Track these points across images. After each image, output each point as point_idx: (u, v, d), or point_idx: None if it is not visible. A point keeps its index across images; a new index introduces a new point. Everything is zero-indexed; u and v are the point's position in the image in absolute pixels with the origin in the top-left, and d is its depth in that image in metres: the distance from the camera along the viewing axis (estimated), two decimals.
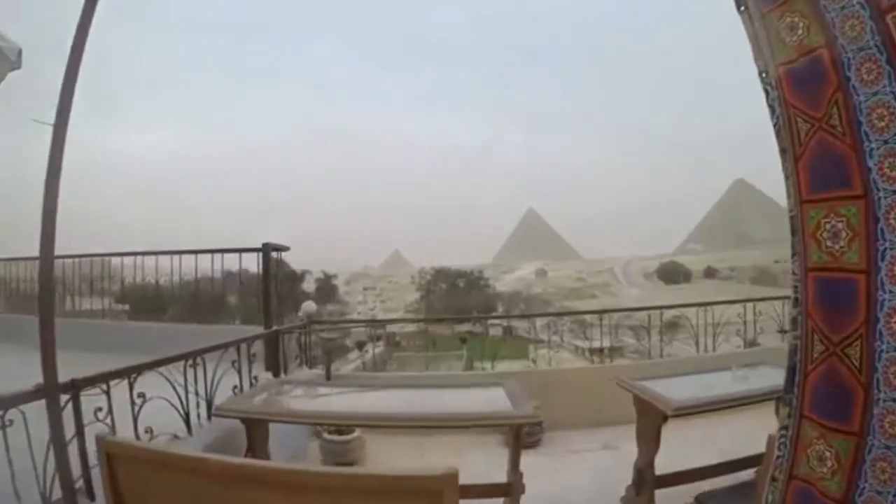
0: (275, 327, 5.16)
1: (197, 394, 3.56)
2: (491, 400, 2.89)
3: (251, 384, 4.16)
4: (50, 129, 2.19)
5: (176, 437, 3.37)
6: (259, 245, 5.43)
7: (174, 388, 3.34)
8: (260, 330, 5.02)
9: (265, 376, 4.56)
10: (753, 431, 3.86)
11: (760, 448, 3.81)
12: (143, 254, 6.91)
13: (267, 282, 5.27)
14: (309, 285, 71.30)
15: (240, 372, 4.08)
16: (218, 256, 5.76)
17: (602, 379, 5.17)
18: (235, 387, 3.98)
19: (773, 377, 3.32)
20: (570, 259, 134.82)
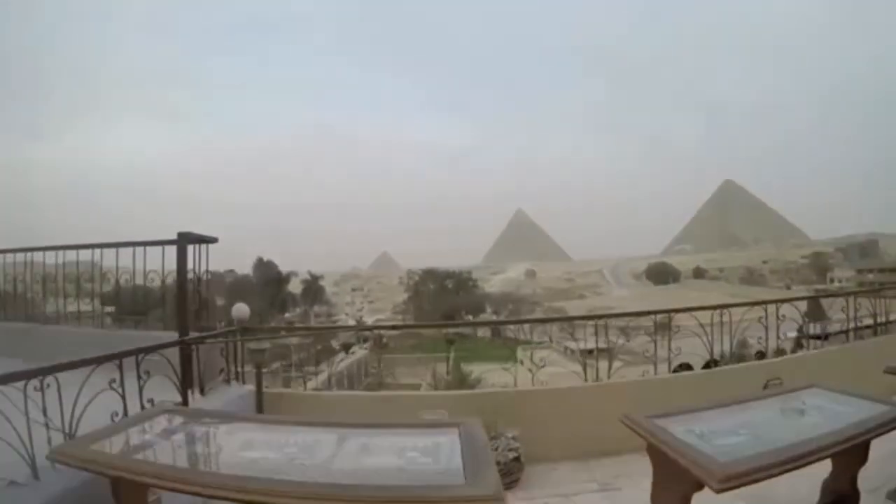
0: (193, 334, 4.21)
1: (48, 426, 2.61)
2: (439, 454, 1.94)
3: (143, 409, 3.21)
4: None
5: (14, 483, 2.45)
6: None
7: (6, 418, 2.40)
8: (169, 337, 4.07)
9: (167, 399, 3.60)
10: (798, 474, 3.00)
11: (810, 498, 2.96)
12: (64, 248, 5.95)
13: (182, 279, 4.32)
14: (296, 286, 70.08)
15: (123, 396, 3.15)
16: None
17: (598, 398, 4.28)
18: (116, 414, 3.05)
19: (838, 411, 2.42)
20: (559, 260, 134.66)
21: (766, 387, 4.55)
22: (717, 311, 4.61)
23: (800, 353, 4.86)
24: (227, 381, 4.59)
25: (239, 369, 4.75)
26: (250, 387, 4.44)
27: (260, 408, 4.38)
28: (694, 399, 4.28)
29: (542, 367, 4.38)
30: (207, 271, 4.79)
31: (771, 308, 4.93)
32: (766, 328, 4.68)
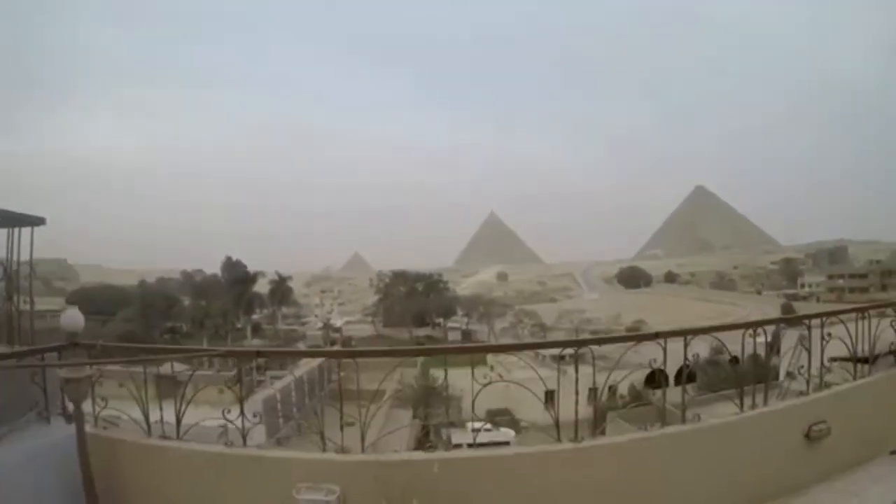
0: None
1: None
2: None
3: None
4: None
5: None
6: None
7: None
8: None
9: None
10: None
11: None
12: None
13: None
14: (263, 287, 67.62)
15: None
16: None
17: (575, 469, 2.93)
18: None
19: None
20: (531, 263, 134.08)
21: (808, 434, 3.37)
22: (753, 332, 3.38)
23: (845, 386, 3.64)
24: (46, 419, 3.22)
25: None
26: (69, 432, 3.06)
27: (84, 459, 3.02)
28: (717, 458, 3.08)
29: (487, 429, 3.03)
30: (31, 263, 3.42)
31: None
32: (810, 351, 3.46)
